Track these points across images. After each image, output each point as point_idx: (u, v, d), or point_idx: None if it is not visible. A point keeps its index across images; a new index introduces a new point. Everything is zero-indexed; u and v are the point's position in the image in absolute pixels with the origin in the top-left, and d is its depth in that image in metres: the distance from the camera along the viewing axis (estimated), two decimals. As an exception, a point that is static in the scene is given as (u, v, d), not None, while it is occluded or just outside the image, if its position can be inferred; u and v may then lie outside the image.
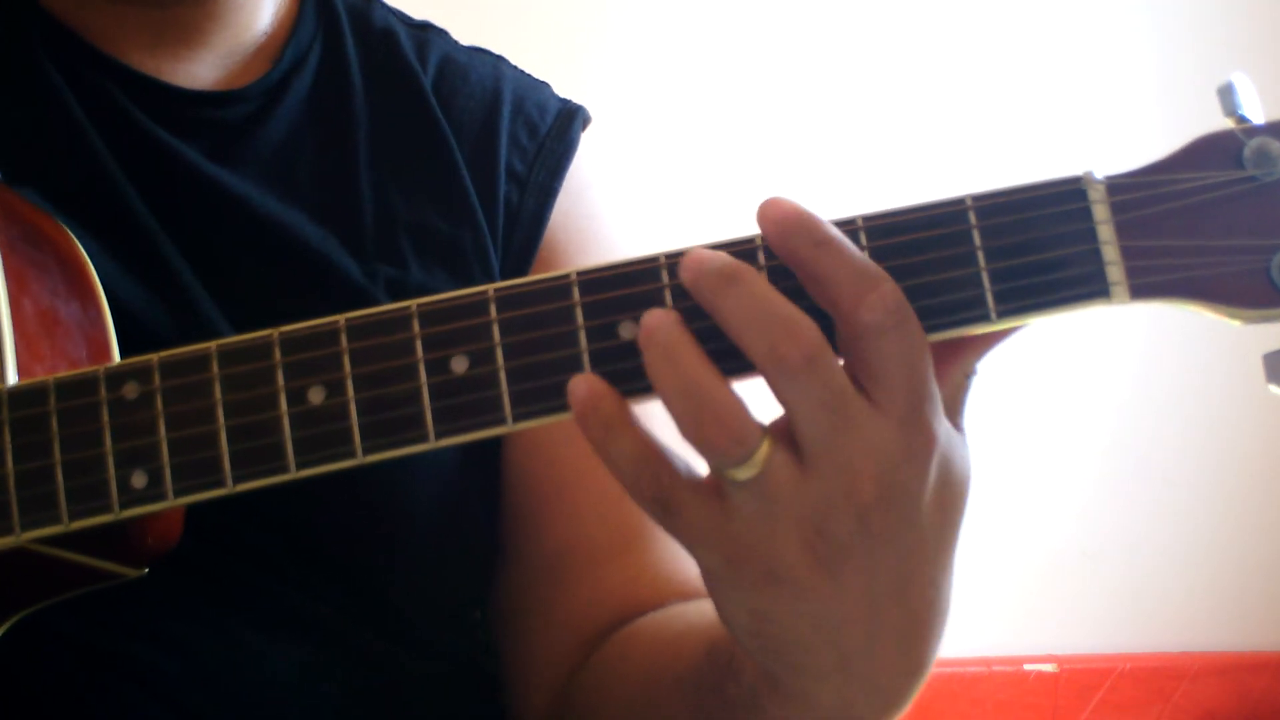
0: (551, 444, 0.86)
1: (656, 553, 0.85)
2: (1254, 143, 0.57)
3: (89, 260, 0.72)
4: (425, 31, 0.94)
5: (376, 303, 0.80)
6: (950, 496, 0.58)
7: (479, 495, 0.86)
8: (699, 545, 0.57)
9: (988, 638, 2.06)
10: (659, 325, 0.55)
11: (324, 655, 0.80)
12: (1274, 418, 2.11)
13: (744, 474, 0.55)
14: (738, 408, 0.55)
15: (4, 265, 0.67)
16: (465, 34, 0.96)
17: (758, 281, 0.55)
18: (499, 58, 0.95)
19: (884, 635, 0.59)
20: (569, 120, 0.93)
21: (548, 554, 0.86)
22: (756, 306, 0.55)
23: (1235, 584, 2.14)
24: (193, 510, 0.67)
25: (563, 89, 0.96)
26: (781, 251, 0.56)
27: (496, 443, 0.87)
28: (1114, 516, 2.12)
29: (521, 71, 0.95)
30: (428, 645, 0.84)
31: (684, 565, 0.84)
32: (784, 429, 0.56)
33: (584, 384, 0.56)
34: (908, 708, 0.64)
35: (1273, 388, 0.57)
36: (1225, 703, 2.08)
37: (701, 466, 0.57)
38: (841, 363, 0.56)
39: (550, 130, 0.92)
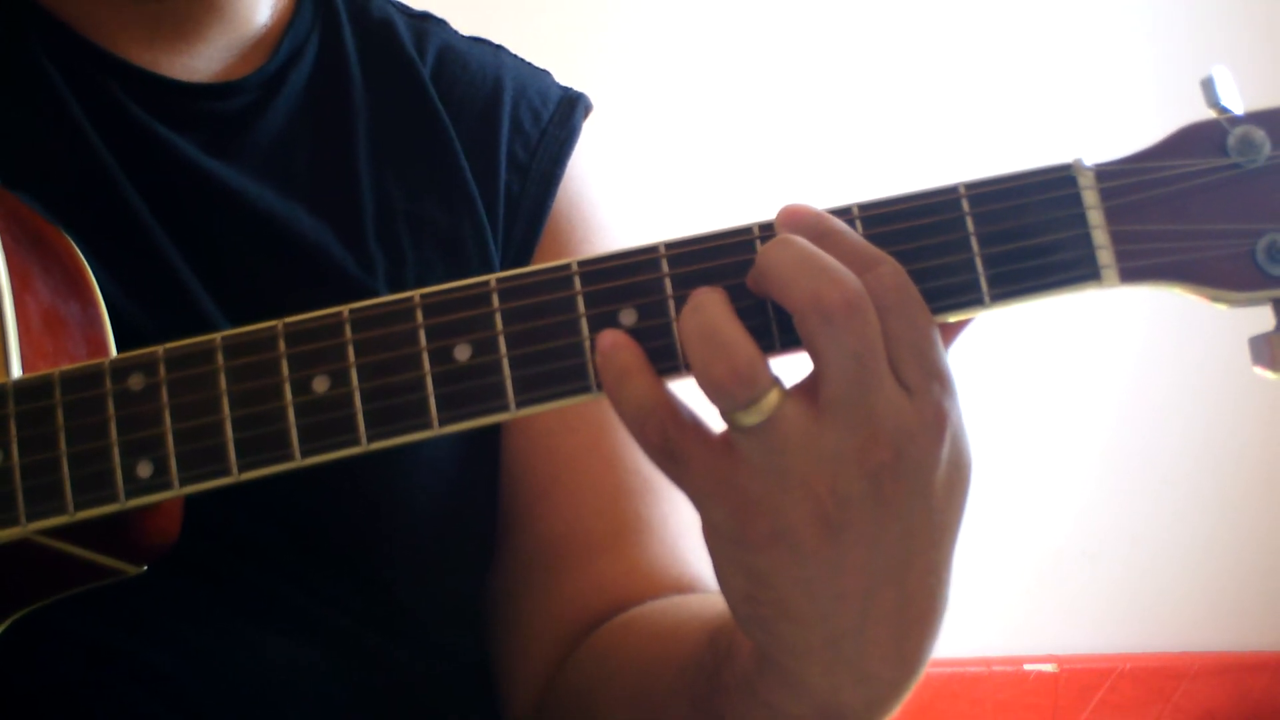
0: (551, 434, 0.86)
1: (653, 546, 0.85)
2: (1238, 131, 0.58)
3: (87, 264, 0.72)
4: (424, 22, 0.94)
5: (373, 295, 0.80)
6: (958, 479, 0.58)
7: (481, 491, 0.86)
8: (705, 498, 0.58)
9: (988, 638, 2.06)
10: (706, 288, 0.58)
11: (328, 654, 0.80)
12: (1274, 418, 2.12)
13: (750, 419, 0.55)
14: (749, 350, 0.56)
15: (8, 263, 0.67)
16: (465, 26, 0.96)
17: (806, 242, 0.57)
18: (499, 47, 0.95)
19: (877, 618, 0.59)
20: (571, 107, 0.93)
21: (543, 543, 0.86)
22: (805, 257, 0.56)
23: (1235, 584, 2.14)
24: (195, 508, 0.68)
25: (563, 81, 0.96)
26: None
27: (498, 438, 0.87)
28: (1114, 516, 2.13)
29: (522, 60, 0.95)
30: (433, 644, 0.84)
31: (680, 560, 0.84)
32: (805, 387, 0.56)
33: (610, 335, 0.58)
34: (897, 709, 0.63)
35: (1258, 370, 0.58)
36: (1225, 703, 2.08)
37: (716, 425, 0.58)
38: None
39: (553, 117, 0.92)
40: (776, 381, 0.56)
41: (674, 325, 0.58)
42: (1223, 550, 2.14)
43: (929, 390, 0.56)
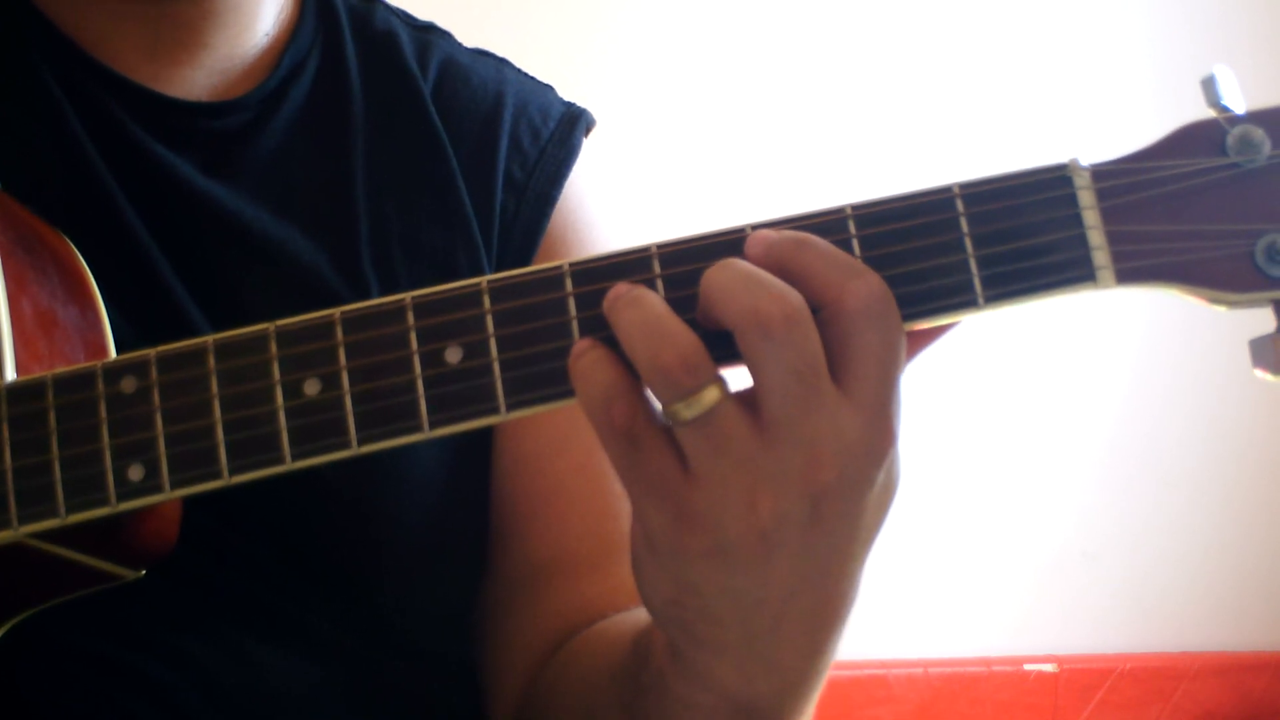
0: (540, 456, 0.86)
1: None
2: (1237, 130, 0.57)
3: (87, 266, 0.72)
4: (428, 34, 0.93)
5: None
6: (886, 499, 0.59)
7: (471, 506, 0.86)
8: (654, 496, 0.57)
9: (988, 638, 2.06)
10: (628, 285, 0.57)
11: (321, 664, 0.80)
12: (1273, 418, 2.11)
13: (689, 412, 0.55)
14: (694, 340, 0.55)
15: (3, 266, 0.67)
16: (467, 36, 0.96)
17: (748, 264, 0.57)
18: (502, 60, 0.95)
19: (791, 618, 0.60)
20: (572, 125, 0.92)
21: (531, 562, 0.86)
22: (745, 275, 0.56)
23: (1235, 584, 2.14)
24: (190, 521, 0.68)
25: (563, 92, 0.95)
26: (767, 258, 0.57)
27: (487, 454, 0.87)
28: (1114, 517, 2.12)
29: (525, 74, 0.95)
30: (424, 654, 0.84)
31: None
32: (746, 397, 0.56)
33: (586, 340, 0.58)
34: (813, 695, 0.65)
35: (1258, 372, 0.58)
36: (1225, 703, 2.08)
37: None
38: None
39: (552, 136, 0.91)
40: (718, 378, 0.56)
41: None
42: (1223, 550, 2.14)
43: (885, 410, 0.56)
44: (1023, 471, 2.10)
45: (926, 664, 1.99)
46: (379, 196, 0.85)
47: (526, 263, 0.87)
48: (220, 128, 0.84)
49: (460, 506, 0.85)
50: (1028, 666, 2.04)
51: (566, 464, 0.86)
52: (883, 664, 1.98)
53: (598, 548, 0.85)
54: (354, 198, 0.85)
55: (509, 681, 0.85)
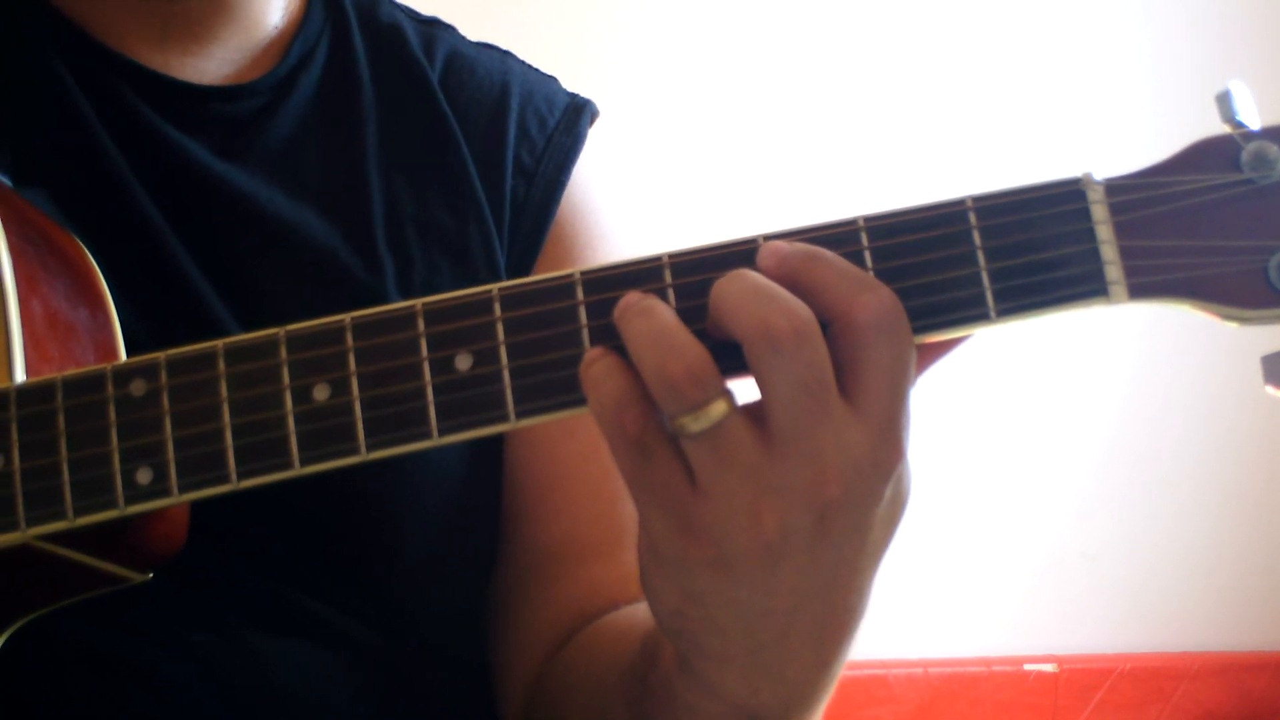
0: (551, 439, 0.86)
1: None
2: (1251, 146, 0.57)
3: (97, 268, 0.72)
4: (432, 27, 0.94)
5: (383, 299, 0.80)
6: (895, 514, 0.59)
7: (487, 499, 0.86)
8: (660, 506, 0.57)
9: (988, 638, 2.06)
10: (639, 295, 0.57)
11: (333, 658, 0.80)
12: (1273, 419, 2.11)
13: (697, 425, 0.55)
14: (703, 352, 0.55)
15: (14, 268, 0.67)
16: (471, 31, 0.96)
17: (760, 275, 0.57)
18: (506, 53, 0.96)
19: (798, 631, 0.60)
20: (577, 114, 0.93)
21: (540, 547, 0.86)
22: (755, 287, 0.56)
23: (1235, 584, 2.14)
24: (199, 516, 0.68)
25: (568, 86, 0.96)
26: (779, 270, 0.57)
27: (501, 450, 0.87)
28: (1114, 517, 2.12)
29: (529, 66, 0.96)
30: (437, 647, 0.84)
31: None
32: (754, 410, 0.56)
33: (598, 348, 0.58)
34: (820, 705, 0.65)
35: (1270, 389, 0.58)
36: (1225, 703, 2.09)
37: None
38: None
39: (559, 124, 0.92)
40: (726, 392, 0.56)
41: None
42: (1223, 550, 2.14)
43: (893, 425, 0.56)
44: (1023, 472, 2.10)
45: (926, 664, 2.00)
46: (391, 180, 0.86)
47: (537, 247, 0.88)
48: (233, 112, 0.84)
49: (475, 502, 0.85)
50: (1028, 666, 2.05)
51: (577, 448, 0.86)
52: (883, 664, 1.98)
53: (608, 533, 0.85)
54: (367, 181, 0.86)
55: (519, 672, 0.86)
